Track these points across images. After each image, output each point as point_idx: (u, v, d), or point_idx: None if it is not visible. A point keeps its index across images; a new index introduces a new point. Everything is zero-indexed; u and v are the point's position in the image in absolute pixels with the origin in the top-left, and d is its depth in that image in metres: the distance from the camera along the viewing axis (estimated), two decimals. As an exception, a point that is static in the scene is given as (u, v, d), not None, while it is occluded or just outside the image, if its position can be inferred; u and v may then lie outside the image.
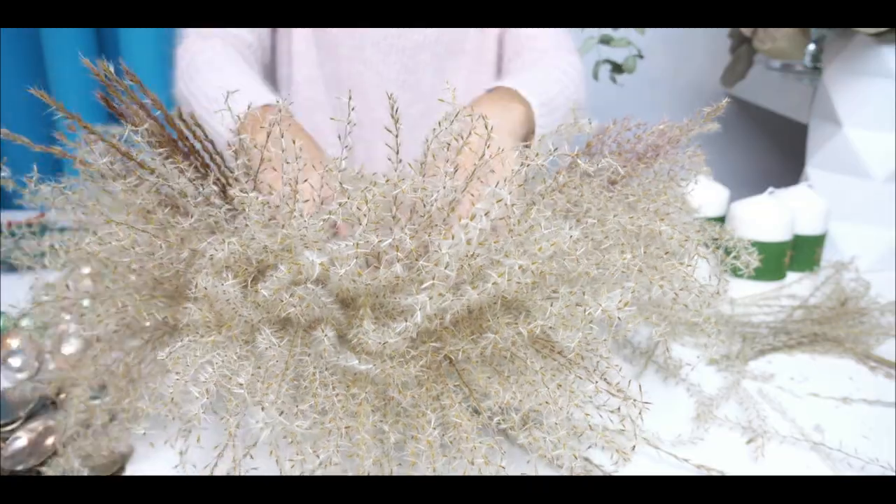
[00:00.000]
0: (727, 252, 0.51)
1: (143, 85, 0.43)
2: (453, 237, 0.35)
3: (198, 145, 0.45)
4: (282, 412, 0.38)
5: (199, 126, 0.45)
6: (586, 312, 0.37)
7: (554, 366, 0.42)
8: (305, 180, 0.46)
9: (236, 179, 0.43)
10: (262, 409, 0.38)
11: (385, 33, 0.94)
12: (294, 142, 0.43)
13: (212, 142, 0.46)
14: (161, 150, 0.42)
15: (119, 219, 0.43)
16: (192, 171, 0.44)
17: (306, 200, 0.44)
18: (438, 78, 0.98)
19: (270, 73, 1.00)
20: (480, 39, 0.98)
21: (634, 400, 0.42)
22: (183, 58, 0.82)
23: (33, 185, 0.42)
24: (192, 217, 0.42)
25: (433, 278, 0.35)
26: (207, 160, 0.45)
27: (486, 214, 0.35)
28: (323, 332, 0.39)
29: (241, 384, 0.39)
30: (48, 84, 1.12)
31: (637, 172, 0.52)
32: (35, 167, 0.43)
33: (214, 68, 0.78)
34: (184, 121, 0.44)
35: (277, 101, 0.67)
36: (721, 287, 0.45)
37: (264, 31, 0.93)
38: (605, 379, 0.43)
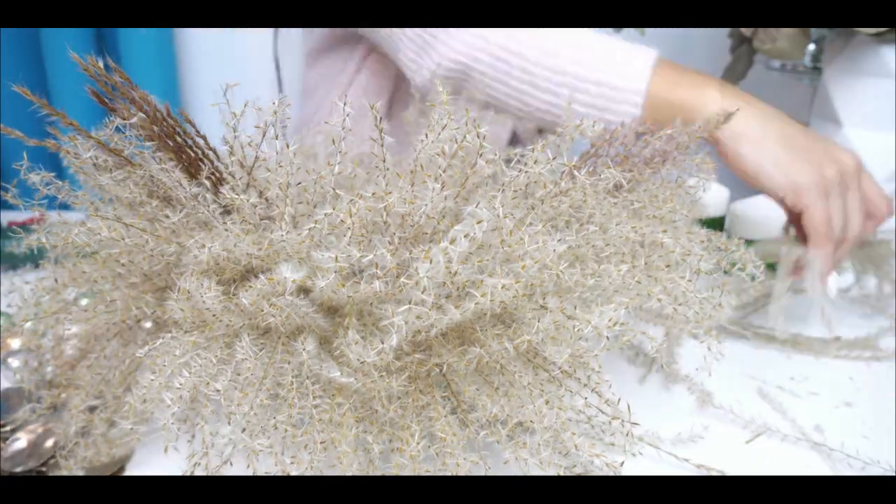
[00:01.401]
0: (732, 264, 0.51)
1: (132, 81, 0.43)
2: (431, 261, 0.34)
3: (189, 141, 0.45)
4: (244, 429, 0.38)
5: (190, 122, 0.45)
6: (575, 329, 0.36)
7: (544, 378, 0.42)
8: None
9: (231, 175, 0.43)
10: (229, 422, 0.37)
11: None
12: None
13: (204, 137, 0.45)
14: (151, 142, 0.42)
15: (107, 211, 0.43)
16: (182, 168, 0.44)
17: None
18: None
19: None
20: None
21: (623, 420, 0.42)
22: (479, 48, 0.72)
23: (23, 173, 0.42)
24: (180, 213, 0.42)
25: (409, 302, 0.35)
26: (200, 156, 0.45)
27: (465, 237, 0.34)
28: (303, 344, 0.38)
29: (218, 390, 0.38)
30: (48, 84, 1.12)
31: (644, 178, 0.52)
32: (25, 155, 0.43)
33: (570, 45, 0.71)
34: (173, 117, 0.44)
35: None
36: (724, 300, 0.45)
37: None
38: (596, 392, 0.42)
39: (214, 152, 0.45)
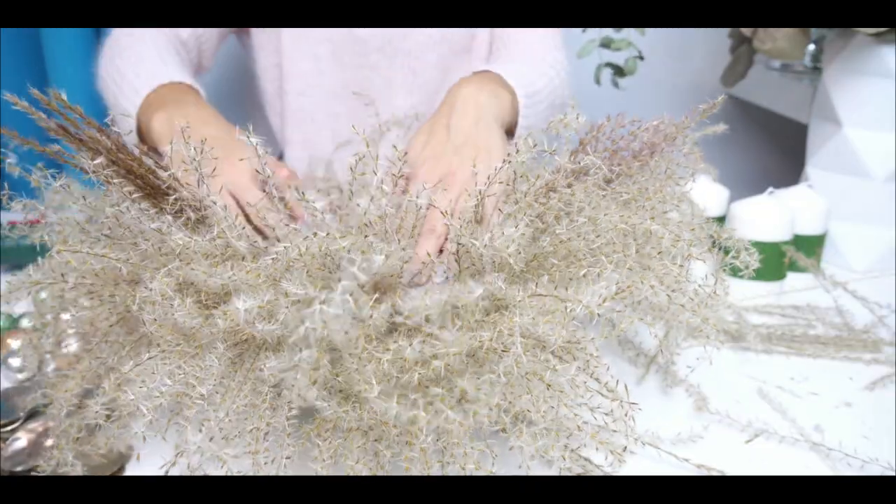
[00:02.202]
0: (726, 252, 0.51)
1: (86, 116, 0.44)
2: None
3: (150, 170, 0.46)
4: (212, 437, 0.38)
5: (146, 154, 0.45)
6: (568, 309, 0.36)
7: (543, 365, 0.42)
8: (221, 188, 0.46)
9: (189, 208, 0.43)
10: (200, 430, 0.38)
11: (388, 38, 0.93)
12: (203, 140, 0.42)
13: (165, 167, 0.45)
14: (118, 180, 0.42)
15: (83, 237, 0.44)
16: (147, 195, 0.44)
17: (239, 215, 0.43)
18: (445, 79, 0.97)
19: (242, 88, 1.00)
20: (487, 39, 0.97)
21: (622, 401, 0.41)
22: (108, 43, 0.79)
23: (8, 167, 0.43)
24: (147, 243, 0.42)
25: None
26: (164, 186, 0.45)
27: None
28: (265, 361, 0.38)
29: (202, 395, 0.38)
30: (48, 84, 1.12)
31: (632, 171, 0.51)
32: (42, 165, 0.44)
33: (136, 51, 0.74)
34: (127, 152, 0.44)
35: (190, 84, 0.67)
36: (719, 287, 0.45)
37: (206, 38, 0.89)
38: (595, 378, 0.42)
39: (178, 180, 0.45)
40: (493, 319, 0.39)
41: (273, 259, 0.38)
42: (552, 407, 0.39)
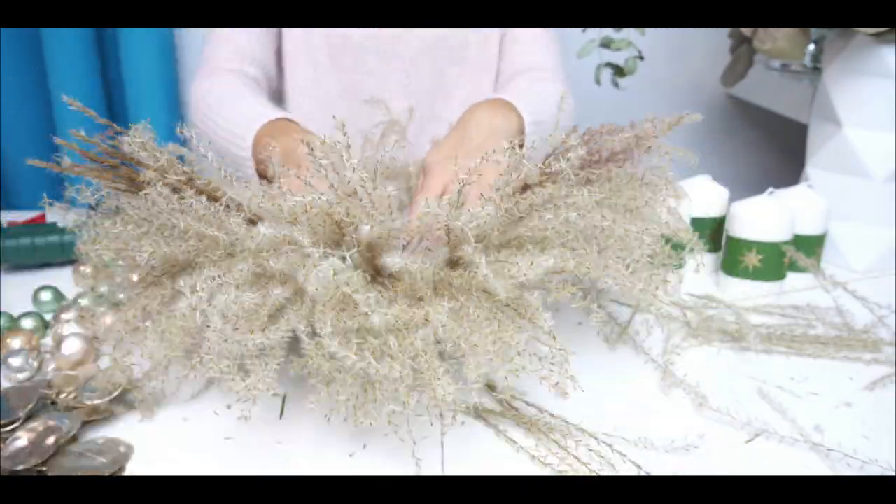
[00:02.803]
0: (675, 247, 0.58)
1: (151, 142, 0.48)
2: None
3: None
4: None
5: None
6: (507, 271, 0.45)
7: (492, 310, 0.47)
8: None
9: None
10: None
11: (383, 41, 0.95)
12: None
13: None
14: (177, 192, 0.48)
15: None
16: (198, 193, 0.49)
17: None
18: (439, 83, 0.99)
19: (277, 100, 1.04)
20: (482, 47, 0.98)
21: (557, 348, 0.45)
22: (194, 96, 0.87)
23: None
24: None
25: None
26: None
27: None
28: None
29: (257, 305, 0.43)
30: (48, 83, 1.12)
31: (611, 174, 0.57)
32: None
33: (226, 103, 0.82)
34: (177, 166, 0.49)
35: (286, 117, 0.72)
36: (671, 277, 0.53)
37: (268, 63, 0.96)
38: (533, 322, 0.47)
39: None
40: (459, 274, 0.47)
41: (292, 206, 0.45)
42: (494, 352, 0.44)
